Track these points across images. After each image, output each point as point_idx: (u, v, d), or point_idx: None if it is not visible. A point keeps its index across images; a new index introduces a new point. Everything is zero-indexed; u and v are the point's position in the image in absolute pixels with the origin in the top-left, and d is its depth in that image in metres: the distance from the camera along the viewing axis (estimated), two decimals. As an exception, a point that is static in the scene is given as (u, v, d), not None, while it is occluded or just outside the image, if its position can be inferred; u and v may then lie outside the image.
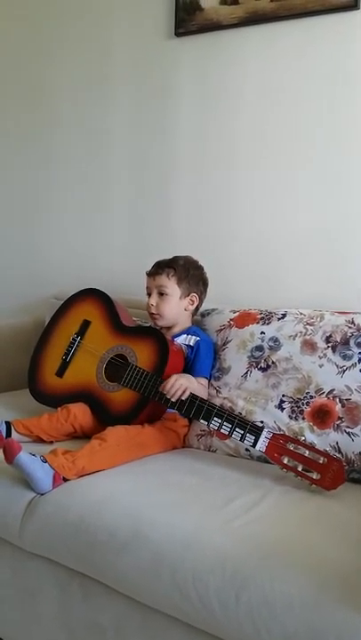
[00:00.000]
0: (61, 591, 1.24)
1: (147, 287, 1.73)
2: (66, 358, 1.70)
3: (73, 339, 1.71)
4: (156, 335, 1.59)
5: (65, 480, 1.28)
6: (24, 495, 1.28)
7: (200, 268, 1.75)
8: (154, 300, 1.68)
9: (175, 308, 1.69)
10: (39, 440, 1.52)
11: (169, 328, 1.71)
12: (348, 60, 1.74)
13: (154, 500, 1.19)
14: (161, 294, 1.68)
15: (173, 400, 1.44)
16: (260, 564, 0.98)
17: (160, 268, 1.70)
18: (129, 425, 1.48)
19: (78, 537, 1.16)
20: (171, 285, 1.68)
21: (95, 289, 1.78)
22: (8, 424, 1.50)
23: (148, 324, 1.75)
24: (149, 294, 1.71)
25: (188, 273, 1.70)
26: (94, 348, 1.66)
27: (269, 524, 1.11)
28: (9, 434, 1.49)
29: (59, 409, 1.57)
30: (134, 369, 1.53)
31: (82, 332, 1.71)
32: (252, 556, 1.00)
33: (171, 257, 1.74)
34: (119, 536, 1.11)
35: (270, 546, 1.02)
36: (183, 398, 1.44)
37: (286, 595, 0.93)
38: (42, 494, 1.27)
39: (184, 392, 1.44)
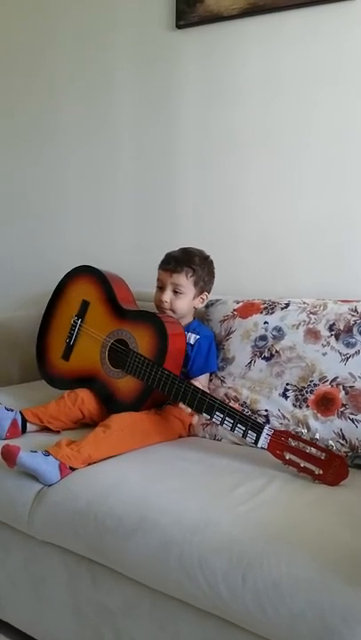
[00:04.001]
0: (71, 577, 1.27)
1: (159, 280, 1.68)
2: (70, 342, 1.71)
3: (74, 321, 1.71)
4: (153, 321, 1.56)
5: (72, 469, 1.30)
6: (33, 484, 1.30)
7: (211, 263, 1.71)
8: (168, 296, 1.64)
9: (187, 306, 1.67)
10: (48, 429, 1.54)
11: None
12: (350, 50, 1.74)
13: (161, 486, 1.21)
14: (176, 292, 1.65)
15: None
16: (266, 546, 0.99)
17: (178, 265, 1.64)
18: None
19: (87, 524, 1.18)
20: (188, 285, 1.65)
21: (89, 266, 1.76)
22: (22, 415, 1.52)
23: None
24: (161, 288, 1.67)
25: (204, 272, 1.67)
26: (95, 332, 1.66)
27: (275, 509, 1.12)
28: (24, 425, 1.51)
29: (65, 394, 1.59)
30: (136, 356, 1.53)
31: (82, 313, 1.71)
32: (258, 539, 1.01)
33: (182, 249, 1.69)
34: (127, 522, 1.13)
35: (276, 529, 1.04)
36: None
37: (292, 576, 0.94)
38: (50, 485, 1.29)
39: None
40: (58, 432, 1.54)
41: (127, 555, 1.12)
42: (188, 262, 1.65)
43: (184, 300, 1.66)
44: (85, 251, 2.34)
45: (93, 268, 1.75)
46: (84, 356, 1.68)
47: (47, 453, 1.30)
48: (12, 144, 2.51)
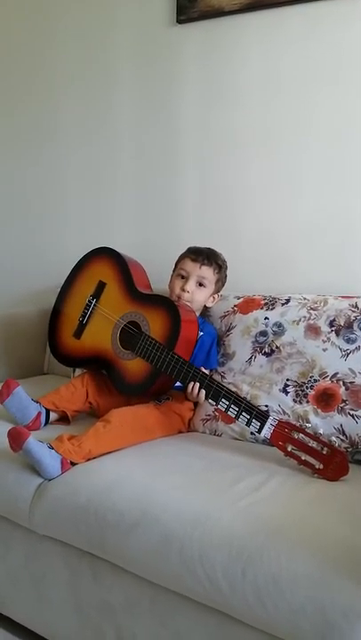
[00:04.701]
0: (72, 572, 1.26)
1: (184, 270, 1.68)
2: (82, 320, 1.71)
3: (89, 301, 1.71)
4: (168, 306, 1.57)
5: (73, 464, 1.30)
6: (33, 479, 1.29)
7: (227, 268, 1.75)
8: (191, 286, 1.66)
9: (204, 300, 1.70)
10: (64, 415, 1.56)
11: None
12: (351, 46, 1.74)
13: (161, 481, 1.21)
14: (200, 284, 1.67)
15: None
16: (266, 541, 0.99)
17: (209, 259, 1.68)
18: (141, 396, 1.52)
19: (87, 519, 1.18)
20: (212, 280, 1.68)
21: (108, 248, 1.76)
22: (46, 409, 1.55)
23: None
24: (185, 277, 1.68)
25: (224, 273, 1.73)
26: (109, 313, 1.66)
27: (275, 504, 1.12)
28: (47, 417, 1.54)
29: (72, 379, 1.63)
30: (147, 339, 1.52)
31: (97, 294, 1.71)
32: (258, 534, 1.01)
33: (206, 247, 1.72)
34: (128, 517, 1.13)
35: (276, 524, 1.03)
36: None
37: (292, 571, 0.94)
38: (50, 480, 1.28)
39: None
40: (68, 423, 1.56)
41: (128, 549, 1.12)
42: (216, 259, 1.70)
43: (204, 295, 1.69)
44: (85, 250, 2.33)
45: (113, 250, 1.76)
46: (95, 335, 1.68)
47: (50, 447, 1.29)
48: (12, 144, 2.51)
